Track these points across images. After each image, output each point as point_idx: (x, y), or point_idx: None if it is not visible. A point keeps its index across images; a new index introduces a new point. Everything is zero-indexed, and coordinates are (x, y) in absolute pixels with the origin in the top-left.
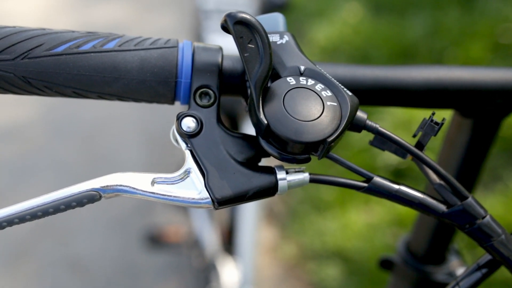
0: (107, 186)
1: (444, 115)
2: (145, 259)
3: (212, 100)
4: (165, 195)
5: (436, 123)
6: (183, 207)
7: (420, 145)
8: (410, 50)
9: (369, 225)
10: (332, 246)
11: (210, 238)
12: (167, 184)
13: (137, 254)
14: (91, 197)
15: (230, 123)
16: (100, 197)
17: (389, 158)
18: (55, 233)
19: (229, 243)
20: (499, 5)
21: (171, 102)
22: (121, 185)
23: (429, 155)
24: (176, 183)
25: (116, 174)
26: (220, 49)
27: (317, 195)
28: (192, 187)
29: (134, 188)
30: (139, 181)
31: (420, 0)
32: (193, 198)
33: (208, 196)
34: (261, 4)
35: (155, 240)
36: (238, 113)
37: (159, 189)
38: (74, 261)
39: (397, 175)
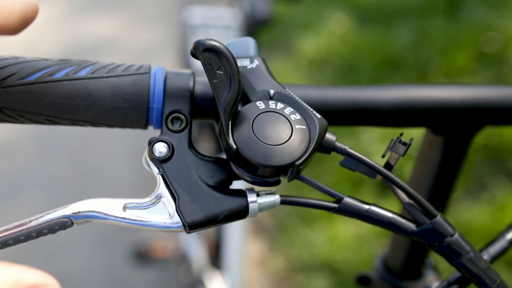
0: (78, 212)
1: (417, 133)
2: (132, 274)
3: (183, 125)
4: (136, 220)
5: (404, 144)
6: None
7: (389, 166)
8: (397, 60)
9: (357, 236)
10: (320, 258)
11: (197, 253)
12: (138, 209)
13: (124, 269)
14: (63, 224)
15: (216, 139)
16: (72, 223)
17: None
18: (42, 249)
19: (216, 257)
20: (483, 14)
21: (144, 127)
22: (92, 211)
23: (405, 171)
24: (148, 207)
25: (87, 201)
26: (192, 74)
27: (305, 208)
28: (164, 211)
29: (105, 214)
30: (110, 207)
31: (405, 10)
32: (164, 223)
33: (179, 220)
34: (246, 18)
35: (142, 256)
36: None
37: (130, 214)
38: (61, 277)
39: (383, 186)
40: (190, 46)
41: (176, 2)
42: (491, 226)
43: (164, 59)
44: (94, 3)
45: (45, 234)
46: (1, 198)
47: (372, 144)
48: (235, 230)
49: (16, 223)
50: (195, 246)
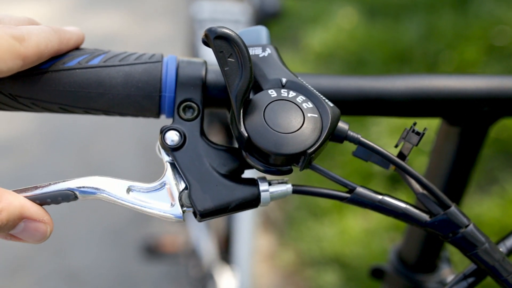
0: (83, 187)
1: (432, 123)
2: (142, 269)
3: (195, 114)
4: (138, 203)
5: (418, 133)
6: (153, 216)
7: (402, 156)
8: (405, 54)
9: (367, 230)
10: (330, 252)
11: (207, 247)
12: (141, 192)
13: (134, 264)
14: (66, 196)
15: (225, 132)
16: (76, 197)
17: None
18: (52, 245)
19: (226, 251)
20: (493, 7)
21: (156, 115)
22: (97, 188)
23: (415, 165)
24: (151, 192)
25: (94, 177)
26: (204, 62)
27: (314, 201)
28: (166, 199)
29: (109, 193)
30: (115, 186)
31: (414, 4)
32: (165, 211)
33: (180, 211)
34: (255, 13)
35: (152, 250)
36: None
37: (133, 196)
38: (71, 272)
39: (394, 180)
40: (199, 40)
41: None
42: (501, 220)
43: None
44: None
45: (48, 203)
46: None
47: (382, 137)
48: (245, 224)
49: (22, 188)
50: (205, 240)
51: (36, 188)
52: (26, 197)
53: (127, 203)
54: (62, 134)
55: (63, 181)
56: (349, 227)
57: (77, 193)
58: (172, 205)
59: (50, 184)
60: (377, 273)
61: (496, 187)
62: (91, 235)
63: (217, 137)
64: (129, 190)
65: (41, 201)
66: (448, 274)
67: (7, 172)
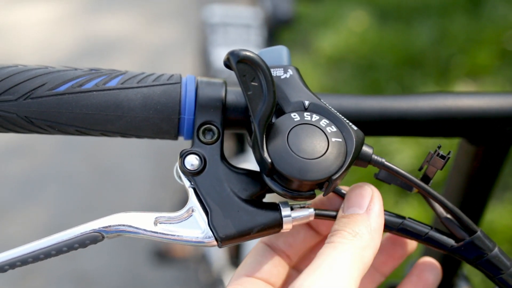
0: (110, 226)
1: (452, 143)
2: (152, 274)
3: (215, 137)
4: (168, 234)
5: (442, 156)
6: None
7: (426, 178)
8: (417, 58)
9: None
10: None
11: (217, 252)
12: (170, 223)
13: (144, 269)
14: (94, 238)
15: (237, 140)
16: (103, 237)
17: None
18: None
19: (236, 257)
20: (506, 11)
21: (175, 138)
22: (123, 225)
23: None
24: (180, 222)
25: (118, 214)
26: (224, 83)
27: None
28: (196, 226)
29: (137, 228)
30: (141, 221)
31: (426, 7)
32: (197, 237)
33: (211, 234)
34: (267, 18)
35: (162, 255)
36: None
37: (162, 228)
38: (81, 276)
39: (404, 193)
40: (210, 44)
41: (194, 0)
42: None
43: (183, 58)
44: (111, 1)
45: (76, 249)
46: (22, 195)
47: (392, 143)
48: None
49: (48, 238)
50: None
51: (60, 235)
52: (50, 246)
53: (157, 237)
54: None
55: (86, 224)
56: None
57: (103, 233)
58: (202, 231)
59: (74, 229)
60: None
61: (508, 193)
62: None
63: (226, 143)
64: (156, 222)
65: (68, 247)
66: None
67: (19, 173)
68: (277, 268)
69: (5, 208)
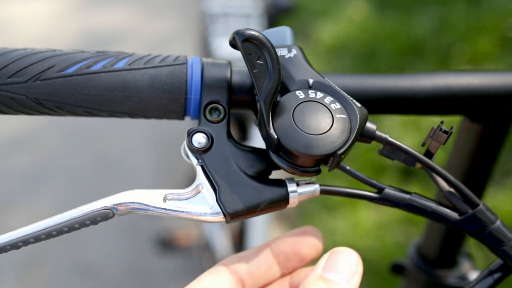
0: (120, 203)
1: (453, 120)
2: (156, 263)
3: (222, 115)
4: (177, 210)
5: (445, 132)
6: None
7: (429, 154)
8: (417, 47)
9: (380, 223)
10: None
11: (221, 241)
12: (179, 200)
13: (148, 258)
14: (105, 215)
15: (239, 128)
16: (114, 214)
17: None
18: (67, 239)
19: (240, 245)
20: None
21: (181, 118)
22: (134, 202)
23: (438, 160)
24: (188, 198)
25: (129, 192)
26: (229, 64)
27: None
28: (204, 202)
29: (146, 205)
30: (151, 197)
31: None
32: (205, 213)
33: (220, 210)
34: (267, 7)
35: (166, 244)
36: (247, 117)
37: (171, 205)
38: (86, 266)
39: (406, 173)
40: (210, 35)
41: None
42: None
43: (183, 50)
44: None
45: (87, 225)
46: (26, 187)
47: (393, 130)
48: (259, 218)
49: (60, 215)
50: (218, 234)
51: (72, 212)
52: (64, 222)
53: (166, 213)
54: (76, 128)
55: (98, 201)
56: (361, 220)
57: (114, 210)
58: (210, 207)
59: (85, 206)
60: (397, 269)
61: (510, 179)
62: (106, 229)
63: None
64: (165, 199)
65: (80, 224)
66: (468, 269)
67: (23, 166)
68: None
69: (9, 200)
